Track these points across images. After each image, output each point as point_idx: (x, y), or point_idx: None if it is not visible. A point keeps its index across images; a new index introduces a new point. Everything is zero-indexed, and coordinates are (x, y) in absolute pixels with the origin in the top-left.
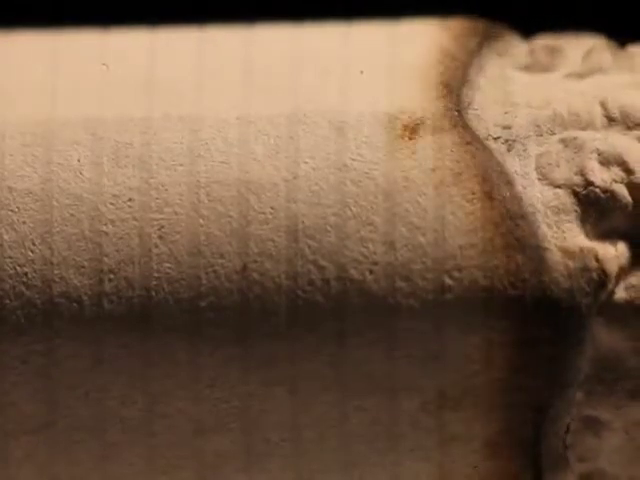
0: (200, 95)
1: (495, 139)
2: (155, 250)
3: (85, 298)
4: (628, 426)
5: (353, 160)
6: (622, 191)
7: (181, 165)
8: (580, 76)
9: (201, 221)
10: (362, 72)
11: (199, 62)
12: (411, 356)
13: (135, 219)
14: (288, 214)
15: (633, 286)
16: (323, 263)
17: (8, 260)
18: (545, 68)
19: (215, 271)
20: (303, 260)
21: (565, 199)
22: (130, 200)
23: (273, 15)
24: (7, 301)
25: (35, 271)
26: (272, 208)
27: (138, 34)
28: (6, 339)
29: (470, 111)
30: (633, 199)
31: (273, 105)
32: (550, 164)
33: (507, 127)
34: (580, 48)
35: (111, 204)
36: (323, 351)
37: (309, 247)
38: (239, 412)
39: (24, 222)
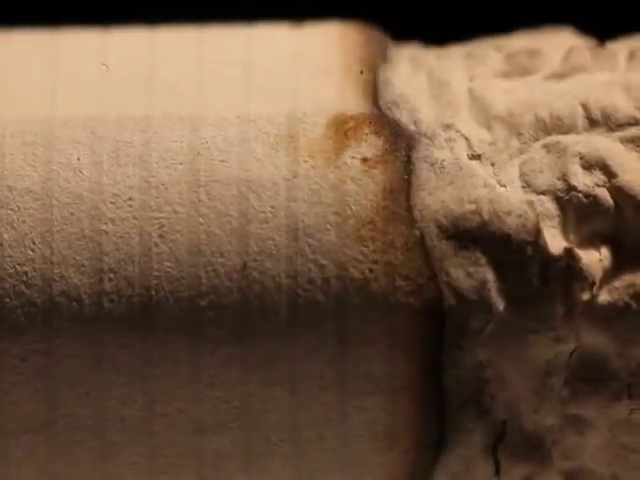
0: (200, 94)
1: (480, 155)
2: (155, 249)
3: (85, 297)
4: (611, 424)
5: (353, 158)
6: (604, 195)
7: (181, 164)
8: (560, 77)
9: (201, 220)
10: (362, 72)
11: (199, 61)
12: (410, 355)
13: (135, 218)
14: (288, 213)
15: (616, 288)
16: (323, 262)
17: (8, 259)
18: (525, 71)
19: (215, 270)
20: (303, 259)
21: (548, 205)
22: (130, 199)
23: (273, 15)
24: (7, 300)
25: (35, 270)
26: (272, 207)
27: (138, 34)
28: (6, 338)
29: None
30: (615, 202)
31: (273, 104)
32: (533, 171)
33: (492, 143)
34: (559, 48)
35: (111, 203)
36: (323, 350)
37: (309, 246)
38: (239, 412)
39: (24, 221)
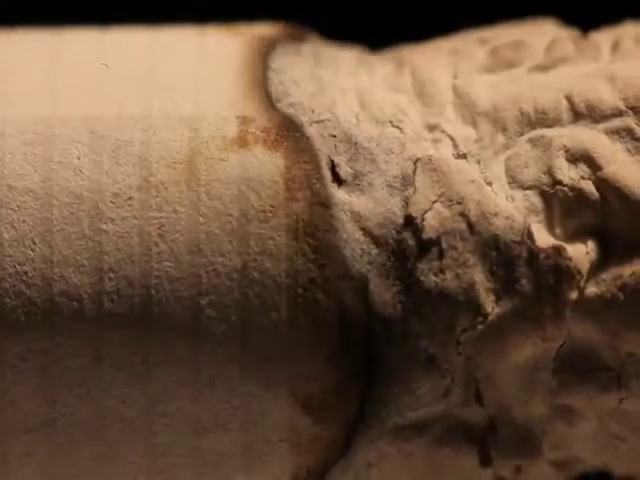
0: (200, 93)
1: (465, 153)
2: (155, 248)
3: (85, 296)
4: (601, 414)
5: None
6: (590, 188)
7: (181, 163)
8: (544, 69)
9: (201, 219)
10: None
11: (199, 61)
12: (406, 352)
13: (135, 217)
14: (288, 212)
15: (604, 280)
16: (323, 262)
17: (8, 259)
18: (509, 64)
19: (215, 269)
20: (303, 259)
21: (534, 199)
22: (130, 198)
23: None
24: (7, 299)
25: (35, 270)
26: (272, 206)
27: (138, 33)
28: (6, 337)
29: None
30: (601, 194)
31: (271, 103)
32: (519, 166)
33: (478, 140)
34: (542, 39)
35: (111, 202)
36: (323, 349)
37: (309, 245)
38: (239, 411)
39: (24, 221)
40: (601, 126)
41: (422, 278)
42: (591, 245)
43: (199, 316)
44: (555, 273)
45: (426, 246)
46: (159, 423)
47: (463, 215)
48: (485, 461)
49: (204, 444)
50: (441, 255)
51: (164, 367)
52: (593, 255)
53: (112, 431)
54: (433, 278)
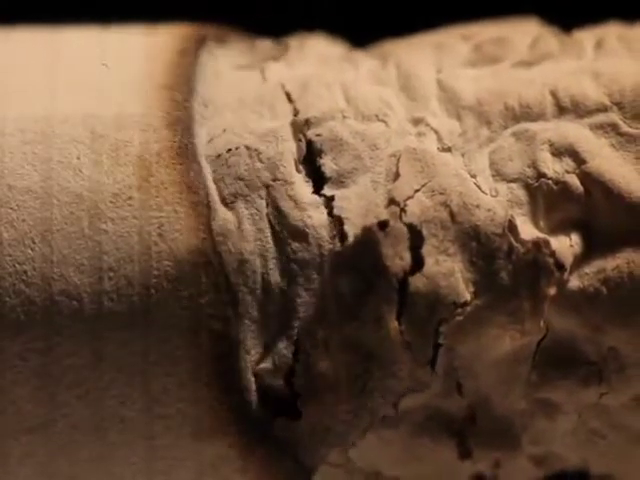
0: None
1: (450, 147)
2: (155, 248)
3: (85, 296)
4: (581, 409)
5: None
6: (574, 181)
7: (180, 164)
8: (528, 65)
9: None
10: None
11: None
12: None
13: (135, 217)
14: None
15: (587, 274)
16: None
17: (8, 258)
18: (492, 60)
19: (214, 269)
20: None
21: (518, 192)
22: (130, 198)
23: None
24: (7, 299)
25: (35, 269)
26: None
27: (137, 32)
28: (5, 337)
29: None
30: (585, 188)
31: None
32: (503, 159)
33: (462, 133)
34: (525, 36)
35: (111, 202)
36: None
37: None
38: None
39: (24, 220)
40: (586, 121)
41: (402, 263)
42: (575, 238)
43: (199, 315)
44: (534, 268)
45: (407, 232)
46: (159, 424)
47: (445, 205)
48: (464, 453)
49: (204, 445)
50: (421, 242)
51: (164, 366)
52: (577, 248)
53: (112, 432)
54: (410, 262)
